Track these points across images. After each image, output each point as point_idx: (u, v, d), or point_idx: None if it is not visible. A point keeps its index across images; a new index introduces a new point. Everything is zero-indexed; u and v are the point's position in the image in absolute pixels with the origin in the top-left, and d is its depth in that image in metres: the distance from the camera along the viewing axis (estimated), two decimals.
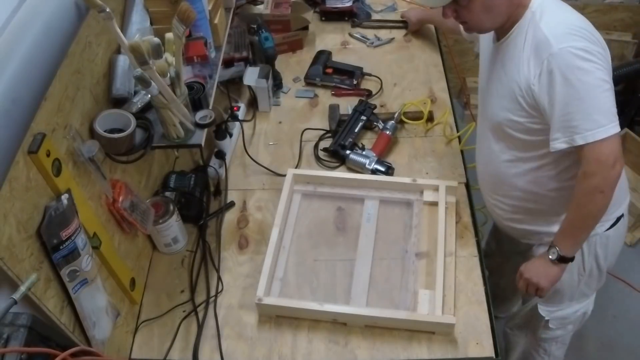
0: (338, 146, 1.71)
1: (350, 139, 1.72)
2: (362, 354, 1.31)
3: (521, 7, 1.23)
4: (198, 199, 1.57)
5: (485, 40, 1.41)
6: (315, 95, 1.94)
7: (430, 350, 1.31)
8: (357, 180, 1.61)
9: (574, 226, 1.27)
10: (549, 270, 1.33)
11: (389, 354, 1.31)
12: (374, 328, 1.34)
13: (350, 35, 2.17)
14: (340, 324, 1.35)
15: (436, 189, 1.55)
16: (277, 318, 1.38)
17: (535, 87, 1.19)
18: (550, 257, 1.31)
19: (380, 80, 1.96)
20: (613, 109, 1.15)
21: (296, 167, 1.71)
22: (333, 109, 1.85)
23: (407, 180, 1.58)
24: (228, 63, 1.82)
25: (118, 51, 1.29)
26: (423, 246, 1.48)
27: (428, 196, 1.56)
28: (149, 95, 1.22)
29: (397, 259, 1.48)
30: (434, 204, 1.54)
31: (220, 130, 1.68)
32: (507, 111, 1.29)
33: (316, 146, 1.77)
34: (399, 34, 2.16)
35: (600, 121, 1.12)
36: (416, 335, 1.33)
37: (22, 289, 0.87)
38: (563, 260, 1.30)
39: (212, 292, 1.43)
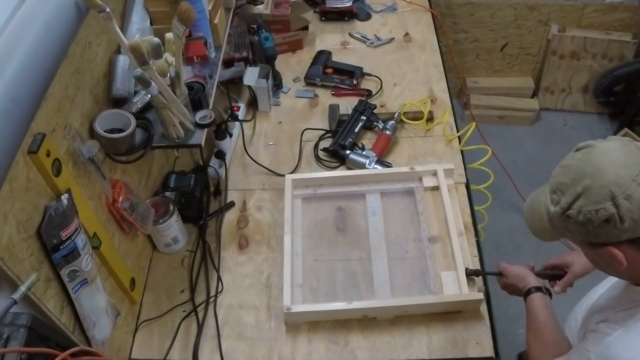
0: (338, 146, 1.71)
1: (350, 139, 1.72)
2: (362, 354, 1.31)
3: None
4: (198, 199, 1.56)
5: None
6: (315, 95, 1.94)
7: (430, 350, 1.31)
8: (356, 177, 1.61)
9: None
10: (519, 288, 1.28)
11: (389, 354, 1.31)
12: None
13: (350, 35, 2.17)
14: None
15: (434, 173, 1.59)
16: (278, 318, 1.38)
17: None
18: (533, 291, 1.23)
19: (380, 80, 1.96)
20: None
21: (296, 168, 1.71)
22: (333, 109, 1.85)
23: (405, 169, 1.61)
24: (228, 63, 1.82)
25: (118, 51, 1.29)
26: (434, 230, 1.52)
27: (428, 182, 1.59)
28: (149, 95, 1.22)
29: (411, 246, 1.50)
30: (435, 188, 1.58)
31: (220, 130, 1.68)
32: None
33: (316, 146, 1.77)
34: (398, 33, 2.16)
35: None
36: (416, 334, 1.33)
37: (22, 289, 0.87)
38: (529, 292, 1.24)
39: (212, 292, 1.43)
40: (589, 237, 0.90)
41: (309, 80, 1.97)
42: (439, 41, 2.13)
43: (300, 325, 1.37)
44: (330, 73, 1.97)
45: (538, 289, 1.23)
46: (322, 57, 2.01)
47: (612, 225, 0.85)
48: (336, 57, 2.05)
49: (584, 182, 0.87)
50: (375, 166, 1.65)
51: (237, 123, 1.78)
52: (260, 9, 2.02)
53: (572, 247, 1.32)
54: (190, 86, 1.38)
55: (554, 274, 1.34)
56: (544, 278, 1.33)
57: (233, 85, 1.89)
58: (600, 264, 0.97)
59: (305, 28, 2.10)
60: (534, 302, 1.22)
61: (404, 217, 1.56)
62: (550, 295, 1.24)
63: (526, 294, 1.24)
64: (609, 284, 1.16)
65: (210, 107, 1.40)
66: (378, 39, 2.14)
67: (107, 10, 1.12)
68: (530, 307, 1.22)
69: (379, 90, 1.93)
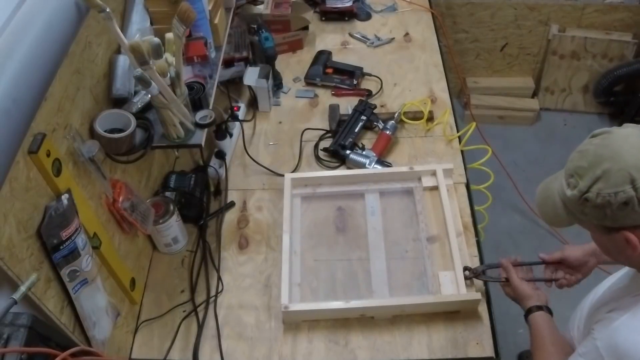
0: (338, 146, 1.71)
1: (350, 139, 1.72)
2: (362, 354, 1.31)
3: None
4: (198, 199, 1.56)
5: None
6: (316, 95, 1.94)
7: (430, 350, 1.31)
8: (355, 176, 1.61)
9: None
10: (521, 306, 1.27)
11: (389, 354, 1.31)
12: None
13: (351, 35, 2.17)
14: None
15: (433, 173, 1.59)
16: (278, 318, 1.38)
17: None
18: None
19: (380, 80, 1.96)
20: None
21: (296, 168, 1.71)
22: (333, 109, 1.85)
23: (404, 168, 1.61)
24: (228, 63, 1.82)
25: (118, 51, 1.29)
26: (432, 230, 1.52)
27: (427, 181, 1.59)
28: (149, 95, 1.22)
29: (410, 246, 1.50)
30: (434, 188, 1.58)
31: (220, 130, 1.68)
32: None
33: (316, 146, 1.77)
34: (399, 33, 2.16)
35: None
36: (416, 334, 1.33)
37: (22, 289, 0.87)
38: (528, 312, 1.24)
39: (212, 292, 1.43)
40: (606, 221, 0.90)
41: (309, 80, 1.97)
42: (439, 41, 2.13)
43: (300, 325, 1.37)
44: (330, 73, 1.97)
45: (539, 307, 1.22)
46: (322, 57, 2.01)
47: (630, 208, 0.85)
48: (336, 57, 2.05)
49: (603, 166, 0.88)
50: (376, 166, 1.65)
51: (237, 123, 1.78)
52: (260, 9, 2.02)
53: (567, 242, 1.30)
54: (190, 86, 1.38)
55: (550, 278, 1.32)
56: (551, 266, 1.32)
57: (233, 85, 1.89)
58: (611, 250, 0.97)
59: (306, 28, 2.10)
60: (536, 319, 1.21)
61: (403, 217, 1.56)
62: (550, 313, 1.23)
63: (528, 312, 1.23)
64: (612, 280, 1.16)
65: (211, 107, 1.40)
66: (378, 39, 2.14)
67: (107, 10, 1.13)
68: (533, 324, 1.21)
69: (379, 90, 1.93)
